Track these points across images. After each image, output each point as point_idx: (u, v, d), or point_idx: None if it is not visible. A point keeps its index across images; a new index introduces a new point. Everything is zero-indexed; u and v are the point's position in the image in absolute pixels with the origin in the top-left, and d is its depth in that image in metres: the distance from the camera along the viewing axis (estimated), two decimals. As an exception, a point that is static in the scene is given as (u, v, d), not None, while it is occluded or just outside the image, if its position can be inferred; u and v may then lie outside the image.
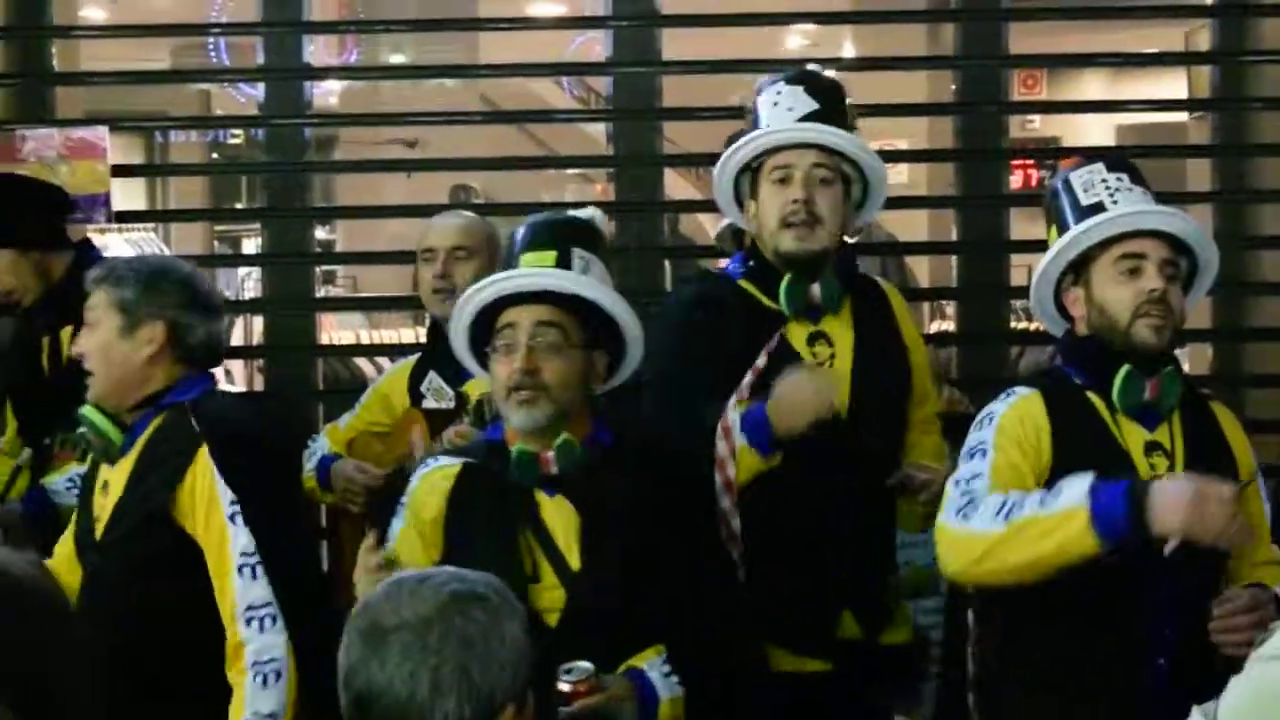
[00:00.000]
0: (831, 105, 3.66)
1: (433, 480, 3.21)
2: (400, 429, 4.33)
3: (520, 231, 3.28)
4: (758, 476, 3.45)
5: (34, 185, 4.66)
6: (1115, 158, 3.38)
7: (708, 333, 3.59)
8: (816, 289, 3.61)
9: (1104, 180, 3.28)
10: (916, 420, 3.82)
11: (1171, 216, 3.25)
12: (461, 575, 2.23)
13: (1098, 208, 3.24)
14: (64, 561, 3.56)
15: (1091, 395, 3.21)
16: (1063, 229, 3.28)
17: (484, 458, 3.21)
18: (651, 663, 3.02)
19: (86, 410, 3.47)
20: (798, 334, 3.64)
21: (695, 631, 3.08)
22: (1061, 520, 2.88)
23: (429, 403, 4.28)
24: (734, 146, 3.67)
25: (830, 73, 5.60)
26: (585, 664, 2.82)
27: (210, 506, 3.35)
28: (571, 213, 3.36)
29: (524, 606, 2.89)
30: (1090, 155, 3.43)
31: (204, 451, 3.38)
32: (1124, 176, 3.29)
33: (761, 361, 3.48)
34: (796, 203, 3.56)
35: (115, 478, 3.47)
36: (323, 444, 4.44)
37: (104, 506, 3.48)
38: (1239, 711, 2.39)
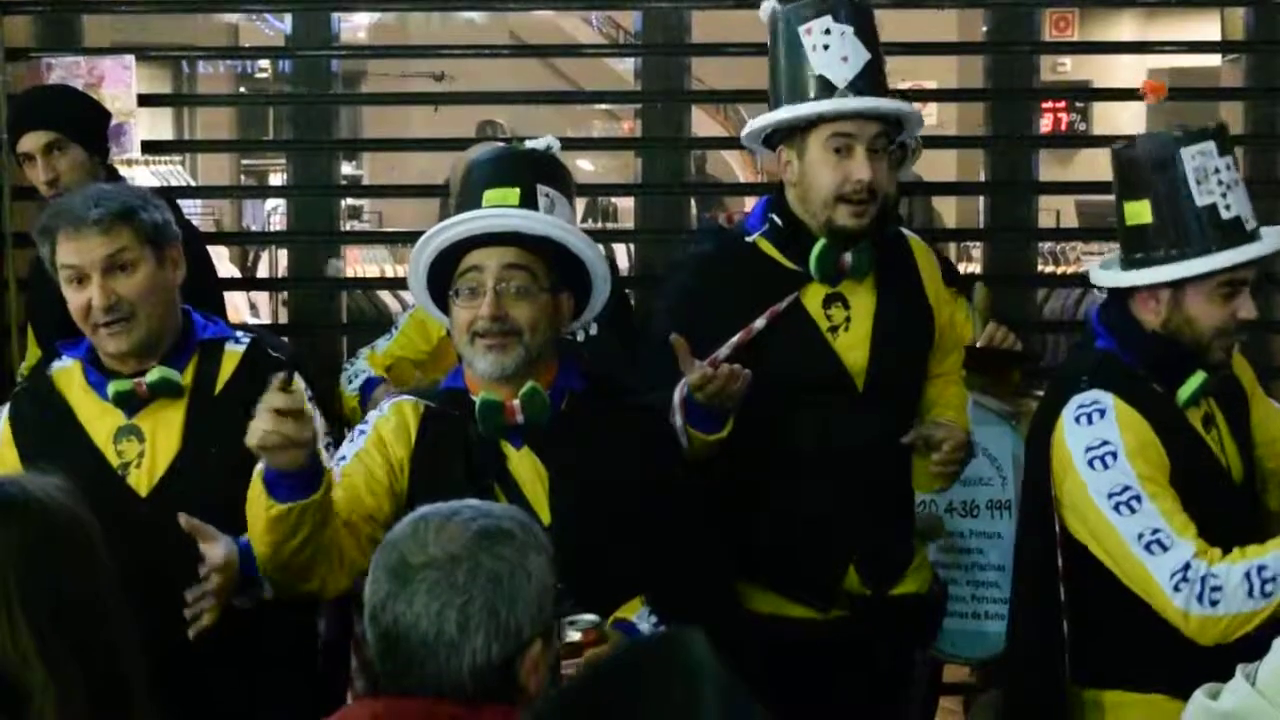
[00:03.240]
0: (877, 48, 3.54)
1: (403, 413, 3.08)
2: (437, 356, 4.32)
3: (478, 165, 3.14)
4: (762, 437, 3.43)
5: (97, 102, 4.65)
6: (1217, 130, 3.21)
7: (713, 303, 3.51)
8: (848, 257, 3.53)
9: (1217, 170, 3.16)
10: (938, 374, 3.75)
11: None
12: (487, 510, 2.23)
13: (1213, 213, 3.13)
14: None
15: (1153, 385, 3.19)
16: (1169, 224, 3.16)
17: (443, 404, 3.08)
18: (640, 614, 2.97)
19: (163, 371, 3.26)
20: (814, 296, 3.56)
21: (673, 580, 3.01)
22: None
23: None
24: (796, 110, 3.48)
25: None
26: (590, 615, 2.76)
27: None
28: (529, 143, 3.22)
29: None
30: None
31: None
32: (1231, 163, 3.18)
33: (760, 323, 3.39)
34: (860, 182, 3.43)
35: (153, 424, 3.29)
36: (363, 366, 4.41)
37: (142, 453, 3.28)
38: (1276, 671, 2.42)
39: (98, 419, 3.30)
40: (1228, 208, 3.14)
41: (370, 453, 3.03)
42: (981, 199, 5.76)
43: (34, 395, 3.40)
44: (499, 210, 3.02)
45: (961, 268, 7.38)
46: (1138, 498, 3.04)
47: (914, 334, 3.66)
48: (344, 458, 3.04)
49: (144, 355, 3.28)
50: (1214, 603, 2.95)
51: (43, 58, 5.19)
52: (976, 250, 6.76)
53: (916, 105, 3.66)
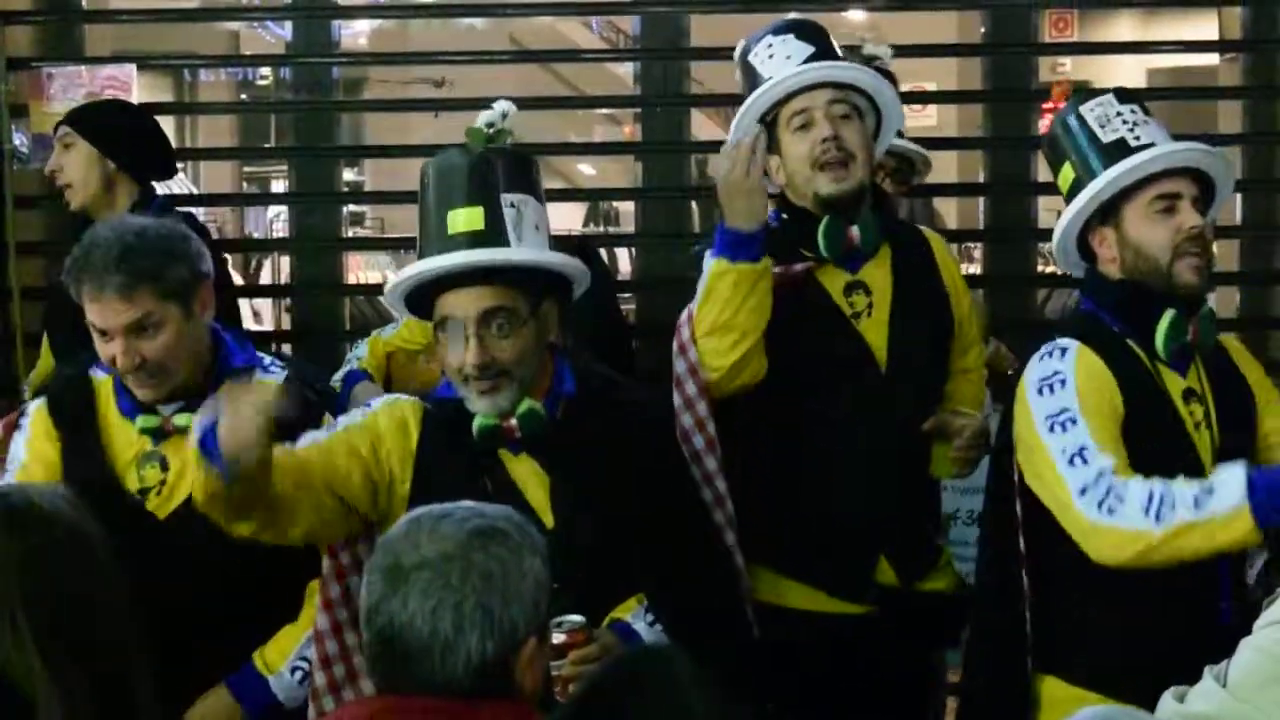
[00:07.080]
0: (824, 46, 3.63)
1: (403, 410, 3.05)
2: (435, 351, 4.30)
3: (435, 180, 3.08)
4: (791, 424, 3.45)
5: (156, 128, 4.65)
6: (1120, 90, 3.32)
7: None
8: (855, 231, 3.56)
9: (1119, 114, 3.22)
10: (957, 369, 3.77)
11: (1205, 154, 3.19)
12: (481, 511, 2.24)
13: (1122, 145, 3.18)
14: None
15: (1130, 343, 3.18)
16: (1083, 167, 3.22)
17: (442, 409, 3.06)
18: (635, 614, 2.97)
19: (189, 417, 3.06)
20: (835, 283, 3.58)
21: (674, 578, 3.01)
22: (1225, 522, 2.86)
23: None
24: (745, 104, 3.59)
25: (860, 13, 5.59)
26: (576, 617, 2.77)
27: None
28: (482, 117, 3.13)
29: None
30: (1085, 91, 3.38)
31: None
32: (1136, 109, 3.24)
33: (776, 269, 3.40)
34: (826, 141, 3.50)
35: (180, 455, 3.18)
36: (361, 354, 4.36)
37: (164, 481, 3.24)
38: (1248, 672, 2.42)
39: (123, 440, 3.26)
40: (1137, 139, 3.19)
41: (359, 431, 3.00)
42: (982, 200, 5.76)
43: (76, 391, 3.33)
44: (465, 253, 2.95)
45: (963, 269, 7.39)
46: (1073, 420, 3.04)
47: (932, 319, 3.68)
48: (334, 426, 3.03)
49: (175, 394, 3.23)
50: (1111, 510, 2.93)
51: (44, 67, 5.21)
52: (977, 251, 6.76)
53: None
